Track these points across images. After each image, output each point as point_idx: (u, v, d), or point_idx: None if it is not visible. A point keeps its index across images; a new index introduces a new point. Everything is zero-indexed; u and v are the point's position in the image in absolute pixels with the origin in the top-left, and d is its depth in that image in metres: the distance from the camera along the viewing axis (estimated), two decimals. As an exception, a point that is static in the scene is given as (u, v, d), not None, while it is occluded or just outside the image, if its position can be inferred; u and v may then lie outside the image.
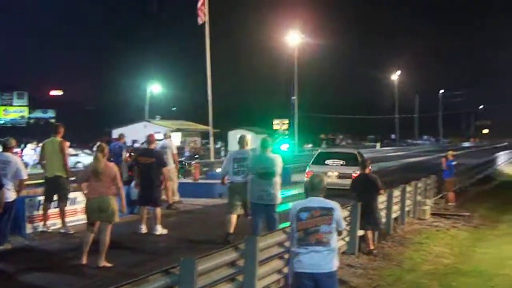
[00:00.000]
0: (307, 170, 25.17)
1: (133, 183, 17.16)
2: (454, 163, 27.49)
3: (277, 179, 13.68)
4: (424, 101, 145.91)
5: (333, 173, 24.85)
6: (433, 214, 22.89)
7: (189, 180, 26.85)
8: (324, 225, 7.92)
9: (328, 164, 25.37)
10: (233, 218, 14.42)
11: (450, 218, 22.94)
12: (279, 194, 13.67)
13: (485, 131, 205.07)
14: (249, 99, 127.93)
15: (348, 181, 19.74)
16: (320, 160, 26.65)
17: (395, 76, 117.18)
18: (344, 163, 25.92)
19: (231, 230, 14.35)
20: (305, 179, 23.50)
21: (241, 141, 15.12)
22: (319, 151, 31.14)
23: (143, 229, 15.71)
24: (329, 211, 8.00)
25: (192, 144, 66.67)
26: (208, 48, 29.97)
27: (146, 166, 15.83)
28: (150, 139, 16.70)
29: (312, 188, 8.24)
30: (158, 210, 15.84)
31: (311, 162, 26.72)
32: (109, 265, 11.74)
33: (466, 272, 14.42)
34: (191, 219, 19.27)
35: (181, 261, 7.69)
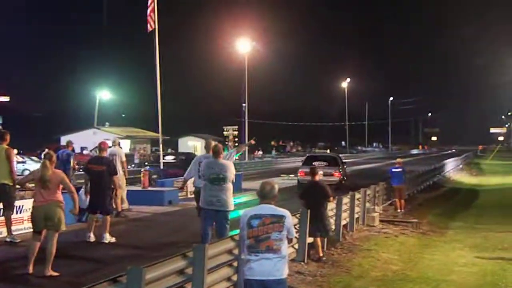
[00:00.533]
0: (299, 170, 34.06)
1: (81, 191, 16.99)
2: (400, 169, 27.67)
3: (229, 186, 13.64)
4: (374, 108, 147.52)
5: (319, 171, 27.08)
6: (382, 221, 23.03)
7: (138, 187, 26.66)
8: (275, 232, 7.91)
9: (314, 165, 26.38)
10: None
11: (399, 225, 23.12)
12: (231, 200, 13.62)
13: (434, 138, 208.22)
14: (200, 106, 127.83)
15: (331, 178, 32.08)
16: (308, 161, 34.41)
17: (345, 84, 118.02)
18: (327, 164, 34.80)
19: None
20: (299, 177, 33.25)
21: (208, 146, 15.22)
22: (307, 155, 41.38)
23: (91, 237, 15.55)
24: (280, 218, 8.00)
25: (142, 151, 66.23)
26: (158, 55, 29.84)
27: (97, 173, 15.73)
28: (101, 146, 16.67)
29: (263, 195, 8.22)
30: (108, 218, 15.71)
31: (302, 163, 35.30)
32: (56, 274, 11.57)
33: (414, 279, 14.54)
34: (140, 227, 19.14)
35: (129, 269, 7.60)
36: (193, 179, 15.88)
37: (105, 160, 16.23)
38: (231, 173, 13.70)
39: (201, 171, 14.23)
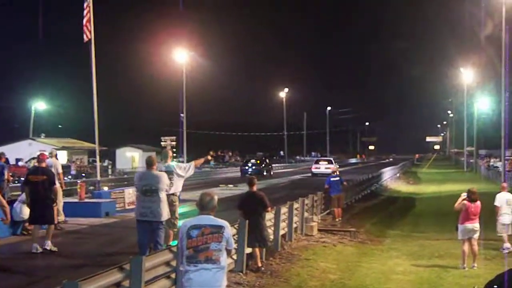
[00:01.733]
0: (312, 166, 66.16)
1: (16, 203, 16.72)
2: (337, 178, 27.87)
3: (162, 197, 13.65)
4: (312, 118, 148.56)
5: (323, 166, 62.60)
6: (320, 230, 23.15)
7: (74, 199, 26.29)
8: (214, 243, 7.95)
9: (320, 163, 64.11)
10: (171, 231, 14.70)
11: (337, 234, 23.26)
12: (164, 211, 13.60)
13: (371, 147, 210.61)
14: (138, 117, 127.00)
15: (329, 170, 42.70)
16: (316, 162, 67.35)
17: (283, 94, 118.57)
18: (327, 163, 64.38)
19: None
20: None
21: (165, 155, 15.69)
22: (316, 159, 72.58)
23: (38, 248, 15.39)
24: (219, 229, 8.03)
25: (79, 162, 65.37)
26: (94, 66, 29.50)
27: (37, 184, 15.72)
28: (40, 158, 16.70)
29: (202, 206, 8.24)
30: (52, 227, 15.90)
31: (313, 163, 67.63)
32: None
33: (352, 287, 14.66)
34: (77, 239, 18.85)
35: (64, 283, 7.49)
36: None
37: (45, 171, 16.19)
38: (164, 184, 13.79)
39: (134, 183, 14.29)
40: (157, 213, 13.45)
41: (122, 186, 30.93)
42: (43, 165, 16.42)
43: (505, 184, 21.90)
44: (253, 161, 68.58)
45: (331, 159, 71.35)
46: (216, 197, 8.34)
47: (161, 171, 14.65)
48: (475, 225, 17.51)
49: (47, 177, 15.84)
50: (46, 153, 18.96)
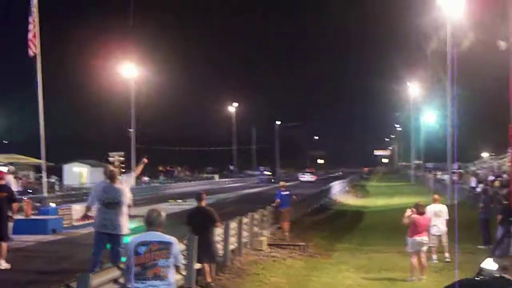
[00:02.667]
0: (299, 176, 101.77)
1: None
2: (288, 193, 27.98)
3: (124, 210, 13.77)
4: (261, 132, 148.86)
5: (308, 176, 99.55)
6: (270, 245, 23.14)
7: (20, 216, 25.84)
8: (162, 259, 7.92)
9: (305, 173, 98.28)
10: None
11: (287, 248, 23.28)
12: (125, 224, 13.65)
13: (321, 161, 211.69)
14: (86, 132, 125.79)
15: (313, 179, 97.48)
16: (303, 173, 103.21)
17: (233, 108, 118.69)
18: (310, 173, 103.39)
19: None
20: None
21: (107, 172, 15.20)
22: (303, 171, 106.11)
23: (3, 265, 15.34)
24: (167, 245, 8.01)
25: (24, 178, 64.35)
26: (40, 80, 29.16)
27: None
28: (0, 175, 16.71)
29: (149, 222, 8.22)
30: (4, 245, 15.91)
31: (301, 173, 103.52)
32: None
33: (302, 302, 14.66)
34: (24, 257, 18.55)
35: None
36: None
37: (5, 188, 16.38)
38: (126, 197, 13.93)
39: (97, 195, 14.21)
40: (117, 226, 13.52)
41: (70, 202, 30.57)
42: (3, 182, 16.53)
43: (436, 196, 22.32)
44: (265, 172, 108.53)
45: (313, 170, 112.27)
46: (163, 213, 8.29)
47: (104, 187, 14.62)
48: (424, 238, 17.83)
49: (7, 194, 16.00)
50: (5, 170, 19.00)
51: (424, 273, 17.78)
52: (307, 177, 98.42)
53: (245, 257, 20.08)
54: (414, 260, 17.73)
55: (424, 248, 17.87)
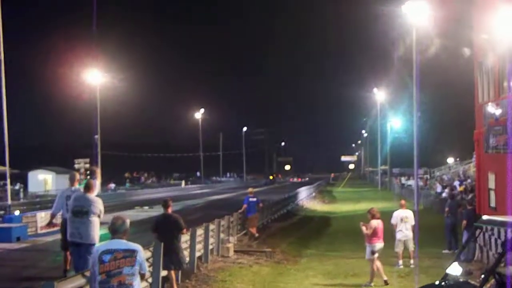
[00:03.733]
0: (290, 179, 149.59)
1: None
2: (255, 199, 28.01)
3: (93, 219, 13.63)
4: (228, 138, 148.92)
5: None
6: (236, 251, 23.11)
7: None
8: (127, 267, 7.87)
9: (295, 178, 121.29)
10: (68, 254, 14.57)
11: (253, 255, 23.24)
12: (94, 234, 13.52)
13: (287, 167, 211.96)
14: (51, 138, 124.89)
15: (299, 180, 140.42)
16: (292, 177, 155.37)
17: (199, 115, 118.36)
18: (298, 175, 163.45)
19: (68, 266, 14.61)
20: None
21: (72, 178, 15.58)
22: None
23: None
24: (132, 253, 7.96)
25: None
26: (4, 86, 28.88)
27: None
28: None
29: (114, 230, 8.17)
30: None
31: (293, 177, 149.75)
32: None
33: (269, 308, 14.64)
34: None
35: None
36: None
37: None
38: (97, 208, 13.78)
39: (68, 204, 14.26)
40: (84, 235, 13.41)
41: (35, 210, 30.24)
42: None
43: (403, 202, 22.51)
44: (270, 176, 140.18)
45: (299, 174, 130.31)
46: (128, 221, 8.23)
47: (69, 195, 14.58)
48: (382, 243, 17.99)
49: None
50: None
51: (383, 275, 17.91)
52: (295, 179, 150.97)
53: (211, 264, 20.01)
54: (375, 265, 17.86)
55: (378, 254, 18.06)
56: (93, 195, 14.03)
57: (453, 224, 25.19)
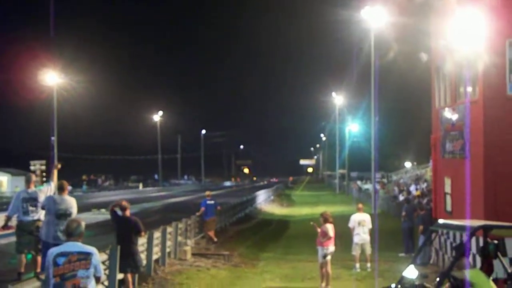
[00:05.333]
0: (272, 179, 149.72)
1: None
2: (213, 202, 27.95)
3: None
4: (187, 141, 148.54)
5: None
6: (194, 254, 23.04)
7: None
8: (81, 270, 7.81)
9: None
10: (23, 257, 14.50)
11: (211, 258, 23.20)
12: None
13: (246, 170, 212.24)
14: (6, 140, 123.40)
15: (276, 180, 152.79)
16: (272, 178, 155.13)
17: (158, 117, 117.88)
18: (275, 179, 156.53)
19: (22, 269, 14.38)
20: None
21: (28, 180, 15.36)
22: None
23: None
24: (87, 256, 7.90)
25: None
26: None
27: None
28: None
29: (69, 233, 8.10)
30: None
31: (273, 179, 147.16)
32: None
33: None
34: None
35: None
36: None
37: None
38: (75, 208, 14.09)
39: (45, 206, 14.20)
40: None
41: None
42: None
43: (360, 205, 22.71)
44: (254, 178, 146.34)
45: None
46: (83, 223, 8.16)
47: (25, 198, 14.45)
48: (334, 247, 18.12)
49: None
50: None
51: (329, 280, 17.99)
52: (274, 180, 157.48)
53: (168, 267, 19.91)
54: (329, 268, 17.96)
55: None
56: (67, 195, 14.23)
57: (410, 228, 25.42)
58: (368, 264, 21.22)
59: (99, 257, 8.17)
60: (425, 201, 30.25)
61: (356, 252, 21.28)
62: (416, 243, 24.30)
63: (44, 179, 39.36)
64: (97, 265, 8.01)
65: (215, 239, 27.03)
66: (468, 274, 9.91)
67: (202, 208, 27.82)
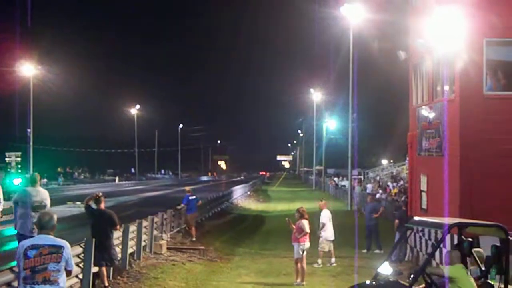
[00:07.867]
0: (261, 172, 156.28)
1: None
2: (194, 197, 27.86)
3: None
4: (164, 135, 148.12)
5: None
6: (169, 249, 22.98)
7: None
8: (52, 263, 7.74)
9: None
10: None
11: (186, 252, 23.16)
12: None
13: (223, 165, 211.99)
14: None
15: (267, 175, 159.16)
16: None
17: (135, 111, 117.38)
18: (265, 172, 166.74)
19: None
20: None
21: None
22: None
23: None
24: (58, 249, 7.83)
25: None
26: None
27: None
28: None
29: (41, 226, 8.02)
30: None
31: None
32: None
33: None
34: None
35: None
36: None
37: None
38: (49, 200, 14.30)
39: (19, 199, 14.28)
40: None
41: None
42: None
43: (324, 201, 22.85)
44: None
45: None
46: (55, 216, 8.09)
47: None
48: (309, 243, 18.17)
49: None
50: None
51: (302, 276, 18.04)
52: (264, 173, 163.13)
53: (144, 261, 19.84)
54: (304, 264, 18.02)
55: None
56: (40, 187, 14.43)
57: (374, 225, 25.64)
58: (333, 260, 21.35)
59: (70, 250, 8.10)
60: (401, 198, 30.41)
61: (325, 247, 21.39)
62: (392, 240, 24.41)
63: (20, 170, 39.13)
64: (68, 259, 7.94)
65: (193, 237, 26.88)
66: (448, 270, 9.97)
67: (183, 204, 27.73)
